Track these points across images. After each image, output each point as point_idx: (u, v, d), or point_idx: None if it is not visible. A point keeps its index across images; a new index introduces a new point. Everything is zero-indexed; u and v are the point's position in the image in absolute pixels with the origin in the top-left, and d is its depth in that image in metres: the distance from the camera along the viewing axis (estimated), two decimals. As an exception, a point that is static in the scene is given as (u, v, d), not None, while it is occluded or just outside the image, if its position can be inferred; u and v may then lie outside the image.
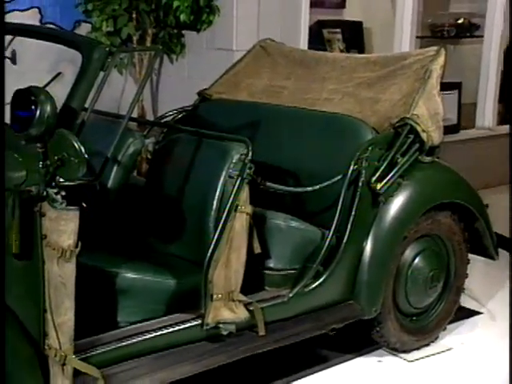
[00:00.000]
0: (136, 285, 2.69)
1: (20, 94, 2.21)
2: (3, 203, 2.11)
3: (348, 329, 3.19)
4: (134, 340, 2.56)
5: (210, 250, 2.64)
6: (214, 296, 2.66)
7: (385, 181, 3.11)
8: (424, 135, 3.23)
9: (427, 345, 3.51)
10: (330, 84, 3.54)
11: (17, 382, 2.21)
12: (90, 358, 2.39)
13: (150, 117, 4.79)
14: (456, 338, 3.61)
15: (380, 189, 3.09)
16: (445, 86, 3.59)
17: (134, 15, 4.46)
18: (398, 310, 3.35)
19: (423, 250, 3.38)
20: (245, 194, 2.71)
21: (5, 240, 2.19)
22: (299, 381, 3.14)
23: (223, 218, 2.67)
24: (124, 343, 2.53)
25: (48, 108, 2.17)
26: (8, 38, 2.92)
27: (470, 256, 3.59)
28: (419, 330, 3.47)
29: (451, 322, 3.63)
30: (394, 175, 3.14)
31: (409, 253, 3.33)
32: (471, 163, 5.21)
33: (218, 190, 2.79)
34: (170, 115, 3.72)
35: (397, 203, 3.19)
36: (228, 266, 2.68)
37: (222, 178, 2.79)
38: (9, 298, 2.21)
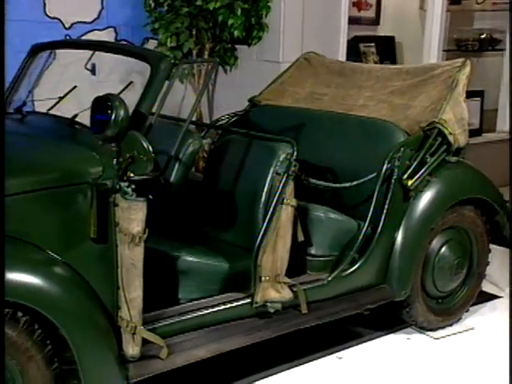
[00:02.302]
0: (195, 267, 2.71)
1: (98, 101, 2.24)
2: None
3: (380, 309, 3.16)
4: (193, 315, 2.57)
5: (259, 238, 2.65)
6: (263, 278, 2.66)
7: (415, 178, 3.08)
8: (451, 138, 3.19)
9: (451, 324, 3.47)
10: (365, 92, 3.51)
11: (96, 347, 2.24)
12: (156, 329, 2.42)
13: (206, 120, 4.80)
14: (478, 319, 3.56)
15: (411, 185, 3.06)
16: (469, 94, 3.54)
17: (194, 32, 4.48)
18: (425, 293, 3.32)
19: (449, 240, 3.33)
20: (290, 188, 2.70)
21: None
22: (338, 353, 3.13)
23: (271, 210, 2.67)
24: (184, 317, 2.55)
25: (121, 112, 2.20)
26: (89, 53, 2.97)
27: (491, 246, 3.54)
28: (444, 311, 3.43)
29: (473, 304, 3.58)
30: (423, 173, 3.10)
31: (436, 242, 3.29)
32: (492, 163, 5.10)
33: (267, 185, 2.78)
34: (224, 119, 3.73)
35: (425, 198, 3.15)
36: (275, 252, 2.68)
37: (269, 175, 2.78)
38: (88, 276, 2.24)
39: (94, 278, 2.26)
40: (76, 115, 2.57)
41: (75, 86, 2.93)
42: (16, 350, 2.09)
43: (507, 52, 6.11)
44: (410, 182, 3.06)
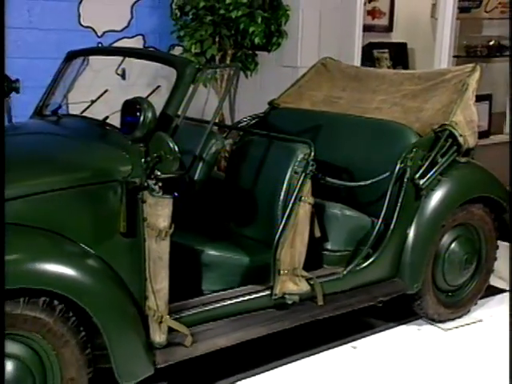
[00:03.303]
0: (217, 260, 2.71)
1: (128, 104, 2.24)
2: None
3: (393, 301, 3.15)
4: (215, 305, 2.58)
5: (278, 234, 2.64)
6: (281, 271, 2.66)
7: (426, 177, 3.06)
8: (461, 139, 3.16)
9: (460, 316, 3.44)
10: (379, 95, 3.49)
11: (126, 335, 2.25)
12: (181, 319, 2.43)
13: (228, 122, 4.80)
14: (486, 312, 3.52)
15: (422, 184, 3.05)
16: (478, 98, 3.49)
17: (216, 39, 4.48)
18: (436, 287, 3.29)
19: (459, 237, 3.30)
20: (308, 187, 2.69)
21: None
22: (352, 343, 3.12)
23: (289, 207, 2.66)
24: (207, 307, 2.55)
25: (149, 114, 2.20)
26: (119, 59, 2.98)
27: (499, 242, 3.50)
28: (454, 303, 3.41)
29: (481, 297, 3.55)
30: (434, 173, 3.08)
31: (446, 239, 3.26)
32: (500, 163, 5.05)
33: (285, 184, 2.77)
34: (245, 121, 3.73)
35: (436, 197, 3.12)
36: (293, 247, 2.68)
37: (288, 174, 2.77)
38: (118, 268, 2.25)
39: (124, 270, 2.27)
40: (107, 117, 2.58)
41: (106, 90, 2.94)
42: (52, 335, 2.11)
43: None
44: (421, 181, 3.05)
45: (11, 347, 2.07)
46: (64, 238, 2.16)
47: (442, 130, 3.13)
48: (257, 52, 4.77)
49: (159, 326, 2.29)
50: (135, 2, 4.72)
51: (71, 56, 2.99)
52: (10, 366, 2.06)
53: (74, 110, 2.93)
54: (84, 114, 2.83)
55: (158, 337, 2.31)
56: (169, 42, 4.81)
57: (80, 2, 4.46)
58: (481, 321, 3.43)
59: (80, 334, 2.19)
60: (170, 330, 2.35)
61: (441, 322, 3.36)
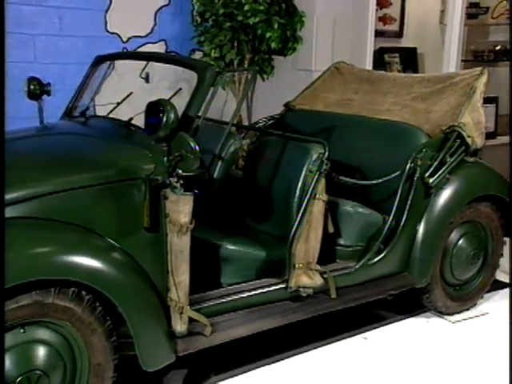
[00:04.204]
0: (235, 255, 2.71)
1: (151, 105, 2.24)
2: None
3: (402, 295, 3.13)
4: (233, 297, 2.58)
5: (293, 229, 2.63)
6: (296, 265, 2.65)
7: (436, 176, 3.03)
8: (469, 140, 3.12)
9: (467, 309, 3.41)
10: (390, 97, 3.46)
11: (149, 324, 2.25)
12: (201, 309, 2.43)
13: (245, 123, 4.79)
14: (491, 305, 3.49)
15: (432, 183, 3.02)
16: (485, 100, 3.45)
17: (235, 44, 4.47)
18: (444, 281, 3.27)
19: (466, 233, 3.27)
20: (322, 185, 2.68)
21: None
22: (364, 334, 3.11)
23: (304, 204, 2.65)
24: (225, 299, 2.55)
25: (172, 115, 2.19)
26: (143, 63, 2.99)
27: (505, 239, 3.46)
28: (461, 297, 3.38)
29: (488, 291, 3.52)
30: (443, 172, 3.05)
31: (454, 235, 3.23)
32: (506, 163, 5.00)
33: (300, 182, 2.76)
34: (262, 122, 3.72)
35: (445, 195, 3.09)
36: (307, 242, 2.66)
37: (303, 172, 2.76)
38: (142, 261, 2.25)
39: (147, 263, 2.27)
40: (131, 118, 2.58)
41: (131, 93, 2.94)
42: (81, 323, 2.12)
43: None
44: (431, 180, 3.02)
45: (44, 334, 2.09)
46: (92, 233, 2.17)
47: (451, 131, 3.10)
48: (273, 56, 4.76)
49: (180, 316, 2.29)
50: (158, 10, 4.74)
51: (98, 61, 2.99)
52: (42, 351, 2.08)
53: (101, 111, 2.94)
54: (110, 116, 2.83)
55: (179, 326, 2.31)
56: (189, 47, 4.82)
57: (107, 10, 4.49)
58: (487, 314, 3.40)
59: (106, 322, 2.19)
60: (191, 320, 2.35)
61: (448, 314, 3.34)
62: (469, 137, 3.12)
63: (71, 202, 2.16)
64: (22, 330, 2.04)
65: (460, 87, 3.29)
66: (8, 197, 2.07)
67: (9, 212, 2.06)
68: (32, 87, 2.83)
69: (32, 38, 4.24)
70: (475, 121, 3.20)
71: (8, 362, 2.01)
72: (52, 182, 2.16)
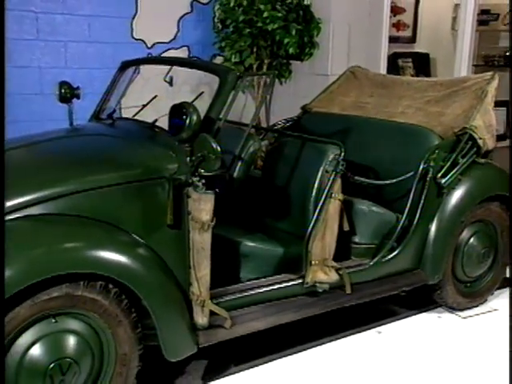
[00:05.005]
0: (254, 251, 2.70)
1: (175, 108, 2.24)
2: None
3: (415, 291, 3.10)
4: (252, 292, 2.57)
5: (310, 227, 2.62)
6: (313, 262, 2.63)
7: (448, 177, 2.99)
8: (480, 142, 3.08)
9: (478, 306, 3.36)
10: (404, 101, 3.42)
11: (172, 316, 2.25)
12: (221, 303, 2.42)
13: (264, 125, 4.78)
14: (501, 302, 3.43)
15: (444, 183, 2.98)
16: (496, 104, 3.40)
17: (254, 49, 4.48)
18: (455, 278, 3.22)
19: (477, 232, 3.23)
20: (337, 185, 2.66)
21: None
22: (377, 328, 3.08)
23: (320, 203, 2.63)
24: (245, 294, 2.54)
25: (194, 118, 2.19)
26: (167, 67, 2.99)
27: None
28: (472, 293, 3.33)
29: (497, 288, 3.47)
30: (455, 173, 3.01)
31: (465, 234, 3.19)
32: (516, 164, 4.94)
33: (317, 182, 2.74)
34: (280, 124, 3.70)
35: (457, 195, 3.05)
36: (323, 240, 2.65)
37: (320, 173, 2.73)
38: (165, 257, 2.25)
39: (170, 259, 2.27)
40: (156, 120, 2.58)
41: (155, 96, 2.94)
42: (108, 315, 2.13)
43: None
44: (443, 180, 2.98)
45: (74, 324, 2.10)
46: (118, 229, 2.17)
47: (463, 133, 3.06)
48: (291, 61, 4.75)
49: (202, 309, 2.29)
50: (181, 17, 4.75)
51: (125, 66, 3.00)
52: (72, 340, 2.09)
53: (127, 113, 2.95)
54: (136, 118, 2.84)
55: (201, 319, 2.31)
56: (211, 52, 4.83)
57: (133, 18, 4.52)
58: (496, 310, 3.35)
59: (131, 314, 2.20)
60: (212, 313, 2.34)
61: (459, 310, 3.29)
62: (480, 139, 3.08)
63: (99, 199, 2.17)
64: (53, 320, 2.06)
65: (472, 91, 3.25)
66: (40, 195, 2.09)
67: (41, 209, 2.07)
68: (63, 91, 2.85)
69: (64, 44, 4.28)
70: (486, 123, 3.16)
71: (40, 350, 2.03)
72: (81, 180, 2.17)
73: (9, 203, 2.05)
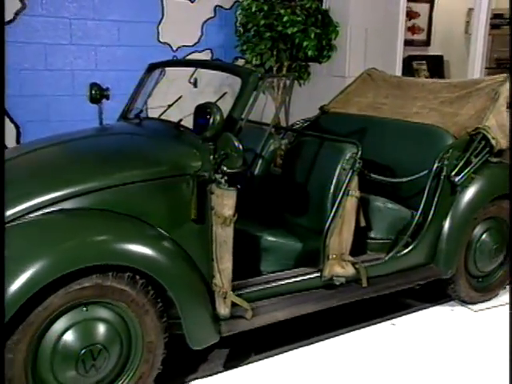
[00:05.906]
0: (274, 245, 2.69)
1: (199, 108, 2.23)
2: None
3: (429, 285, 3.06)
4: (272, 284, 2.56)
5: (328, 223, 2.60)
6: (330, 256, 2.61)
7: (461, 175, 2.94)
8: (493, 141, 3.03)
9: (489, 299, 3.31)
10: (419, 102, 3.37)
11: (196, 307, 2.25)
12: (242, 295, 2.41)
13: (283, 125, 4.76)
14: (513, 296, 3.38)
15: (457, 181, 2.94)
16: (508, 105, 3.34)
17: (274, 52, 4.46)
18: (468, 273, 3.18)
19: (489, 229, 3.17)
20: (355, 182, 2.63)
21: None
22: (392, 320, 3.05)
23: (338, 200, 2.61)
24: (265, 286, 2.53)
25: (218, 117, 2.18)
26: (191, 69, 2.99)
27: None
28: (484, 288, 3.28)
29: (509, 283, 3.39)
30: (468, 171, 2.96)
31: (478, 230, 3.14)
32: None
33: (335, 179, 2.72)
34: (299, 124, 3.68)
35: (470, 192, 3.00)
36: (341, 235, 2.62)
37: (337, 170, 2.71)
38: (189, 250, 2.25)
39: (194, 252, 2.26)
40: (181, 120, 2.58)
41: (180, 97, 2.95)
42: (135, 305, 2.14)
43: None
44: (456, 179, 2.93)
45: (103, 313, 2.11)
46: (145, 223, 2.18)
47: (476, 133, 3.01)
48: (309, 63, 4.73)
49: (224, 300, 2.29)
50: (205, 22, 4.76)
51: (151, 68, 3.01)
52: (102, 328, 2.10)
53: (153, 113, 2.96)
54: (161, 117, 2.84)
55: (223, 310, 2.30)
56: (233, 55, 4.83)
57: (159, 23, 4.53)
58: (508, 304, 3.29)
59: (157, 304, 2.20)
60: (233, 304, 2.34)
61: (471, 303, 3.25)
62: (493, 138, 3.02)
63: (127, 195, 2.17)
64: (84, 309, 2.07)
65: (485, 92, 3.19)
66: (72, 190, 2.10)
67: (73, 204, 2.09)
68: (93, 92, 2.87)
69: (94, 48, 4.31)
70: (499, 123, 3.11)
71: (73, 337, 2.04)
72: (111, 177, 2.17)
73: (44, 198, 2.07)
